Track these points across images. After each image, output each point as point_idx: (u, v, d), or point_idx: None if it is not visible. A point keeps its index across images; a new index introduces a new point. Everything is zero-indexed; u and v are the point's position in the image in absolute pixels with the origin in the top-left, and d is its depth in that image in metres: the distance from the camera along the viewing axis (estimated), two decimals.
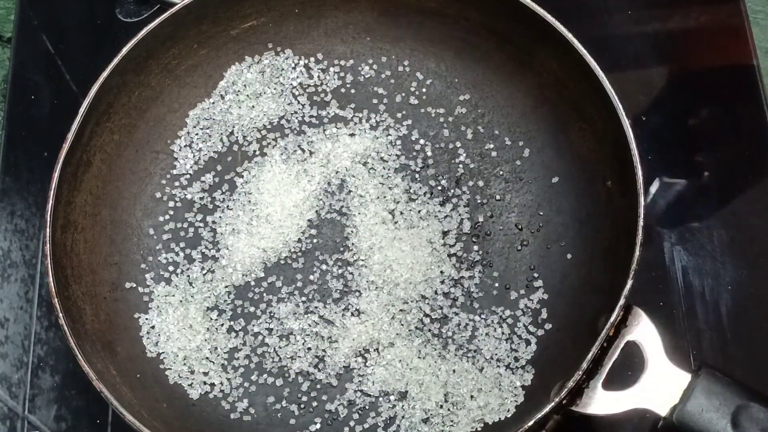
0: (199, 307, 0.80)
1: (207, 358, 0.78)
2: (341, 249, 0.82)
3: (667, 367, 0.68)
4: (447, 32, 0.85)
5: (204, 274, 0.81)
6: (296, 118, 0.87)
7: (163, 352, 0.78)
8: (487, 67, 0.85)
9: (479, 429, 0.73)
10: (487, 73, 0.85)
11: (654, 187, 0.88)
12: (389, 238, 0.81)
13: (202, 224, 0.83)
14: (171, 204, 0.84)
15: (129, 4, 0.99)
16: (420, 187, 0.83)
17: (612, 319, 0.68)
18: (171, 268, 0.81)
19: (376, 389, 0.76)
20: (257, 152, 0.86)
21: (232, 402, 0.77)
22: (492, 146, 0.84)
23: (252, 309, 0.80)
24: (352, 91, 0.87)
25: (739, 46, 0.93)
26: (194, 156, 0.85)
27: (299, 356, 0.78)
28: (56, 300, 0.71)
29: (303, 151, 0.85)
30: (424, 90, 0.87)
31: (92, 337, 0.74)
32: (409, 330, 0.78)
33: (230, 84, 0.87)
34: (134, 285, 0.80)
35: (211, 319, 0.79)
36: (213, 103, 0.86)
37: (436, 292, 0.79)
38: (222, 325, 0.79)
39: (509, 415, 0.73)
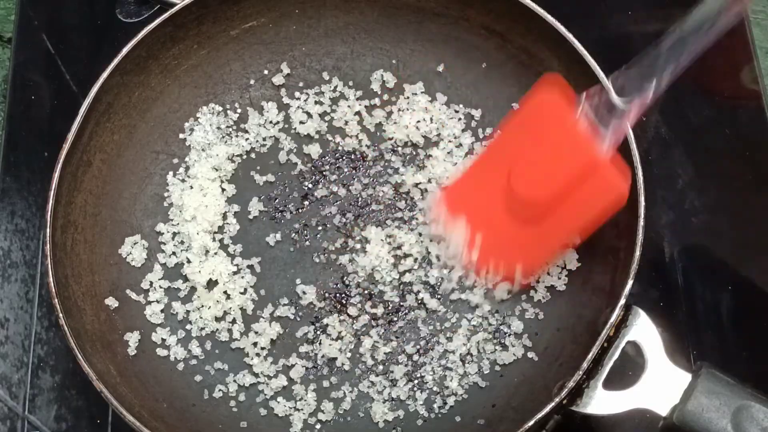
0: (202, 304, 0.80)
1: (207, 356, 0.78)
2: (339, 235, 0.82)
3: (667, 367, 0.68)
4: (447, 32, 0.85)
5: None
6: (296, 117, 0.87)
7: (165, 352, 0.78)
8: (487, 67, 0.85)
9: (479, 424, 0.74)
10: (487, 73, 0.85)
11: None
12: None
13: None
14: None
15: (129, 4, 0.99)
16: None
17: (612, 319, 0.68)
18: (171, 269, 0.81)
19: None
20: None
21: (233, 402, 0.77)
22: None
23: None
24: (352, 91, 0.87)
25: (739, 46, 0.93)
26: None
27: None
28: (56, 300, 0.71)
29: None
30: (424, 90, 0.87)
31: (92, 337, 0.74)
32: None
33: None
34: (134, 285, 0.80)
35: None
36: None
37: (432, 286, 0.80)
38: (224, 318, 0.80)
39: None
